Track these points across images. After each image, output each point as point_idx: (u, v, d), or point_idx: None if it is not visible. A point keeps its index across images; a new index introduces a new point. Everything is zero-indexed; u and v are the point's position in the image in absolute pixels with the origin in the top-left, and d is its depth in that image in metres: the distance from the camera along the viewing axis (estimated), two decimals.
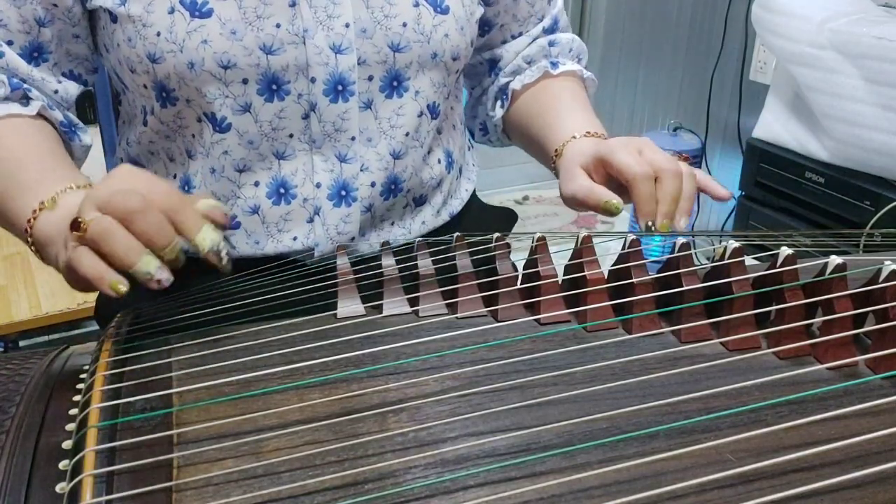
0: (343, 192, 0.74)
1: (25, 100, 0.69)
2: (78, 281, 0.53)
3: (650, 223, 0.64)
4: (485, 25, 0.85)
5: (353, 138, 0.73)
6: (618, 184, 0.69)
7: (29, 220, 0.61)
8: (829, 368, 0.50)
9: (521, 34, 0.87)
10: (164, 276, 0.50)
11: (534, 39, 0.87)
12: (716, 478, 0.40)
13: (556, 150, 0.78)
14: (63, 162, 0.67)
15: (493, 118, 0.89)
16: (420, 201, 0.82)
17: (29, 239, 0.62)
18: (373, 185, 0.75)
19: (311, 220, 0.75)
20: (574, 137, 0.77)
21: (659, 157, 0.67)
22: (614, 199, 0.67)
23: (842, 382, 0.49)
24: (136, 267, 0.50)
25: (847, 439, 0.41)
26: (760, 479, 0.40)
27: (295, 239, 0.75)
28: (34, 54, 0.70)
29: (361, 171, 0.74)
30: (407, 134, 0.76)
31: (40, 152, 0.66)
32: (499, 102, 0.89)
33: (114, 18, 0.68)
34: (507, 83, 0.87)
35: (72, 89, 0.74)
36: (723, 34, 2.26)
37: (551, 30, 0.88)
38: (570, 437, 0.43)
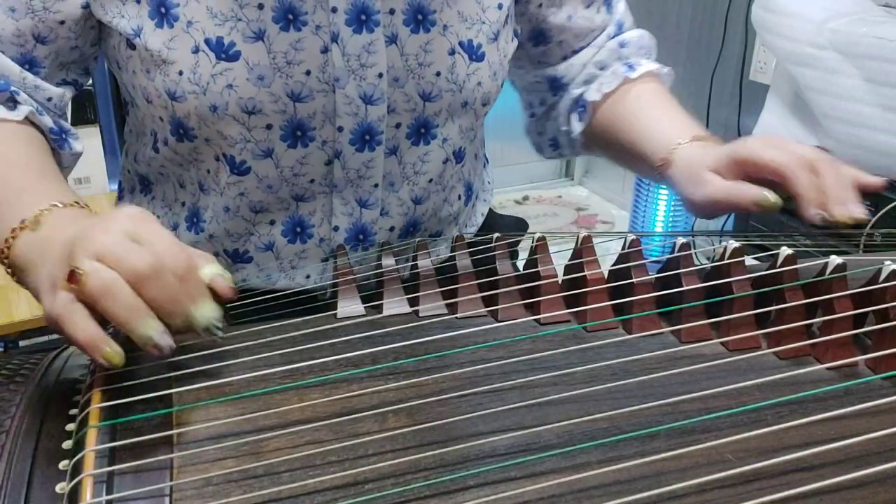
0: (361, 237, 0.72)
1: (12, 103, 0.63)
2: (62, 333, 0.46)
3: (824, 214, 0.59)
4: (539, 36, 0.80)
5: (376, 185, 0.70)
6: (760, 183, 0.64)
7: (7, 240, 0.53)
8: (829, 368, 0.50)
9: (582, 48, 0.81)
10: (167, 342, 0.44)
11: (600, 48, 0.81)
12: (716, 478, 0.40)
13: (662, 159, 0.72)
14: (50, 174, 0.61)
15: (570, 133, 0.83)
16: (436, 235, 0.79)
17: (5, 261, 0.53)
18: (391, 229, 0.73)
19: (326, 260, 0.73)
20: (680, 143, 0.71)
21: (805, 149, 0.62)
22: (769, 194, 0.61)
23: (842, 382, 0.49)
24: (137, 331, 0.43)
25: (847, 439, 0.41)
26: (760, 479, 0.40)
27: (308, 277, 0.73)
28: (24, 66, 0.65)
29: (381, 215, 0.72)
30: (431, 180, 0.73)
31: (24, 162, 0.60)
32: (575, 116, 0.82)
33: (131, 45, 0.64)
34: (582, 94, 0.81)
35: (67, 94, 0.69)
36: (723, 34, 2.26)
37: (617, 34, 0.82)
38: (570, 437, 0.43)
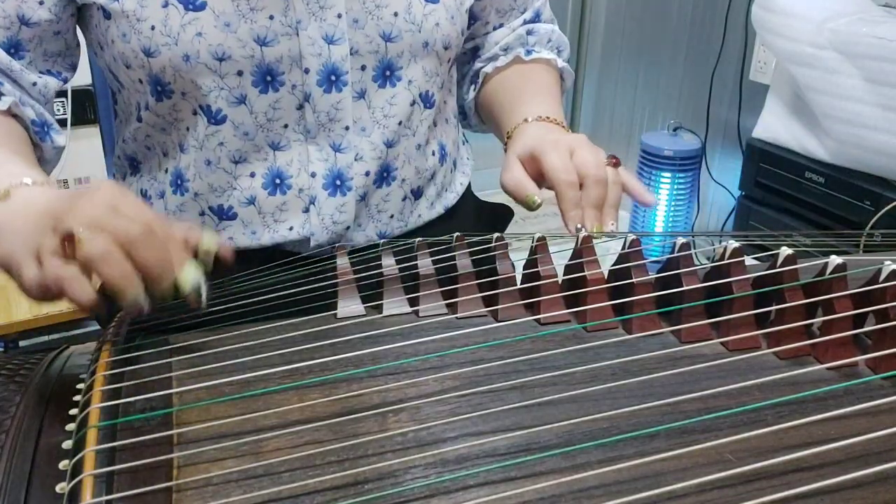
0: (338, 182, 0.76)
1: None
2: (42, 293, 0.49)
3: (579, 226, 0.66)
4: (471, 18, 0.86)
5: (346, 128, 0.74)
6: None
7: None
8: (829, 368, 0.50)
9: (502, 25, 0.88)
10: (147, 305, 0.47)
11: (513, 31, 0.88)
12: (716, 478, 0.40)
13: (507, 133, 0.79)
14: (21, 158, 0.62)
15: (466, 101, 0.91)
16: (416, 194, 0.83)
17: None
18: (367, 174, 0.77)
19: (306, 210, 0.76)
20: (526, 121, 0.78)
21: (589, 161, 0.68)
22: (535, 197, 0.70)
23: (842, 382, 0.49)
24: (129, 295, 0.47)
25: (847, 439, 0.41)
26: (760, 479, 0.40)
27: (291, 229, 0.76)
28: (10, 51, 0.68)
29: (356, 160, 0.76)
30: (400, 123, 0.77)
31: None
32: (473, 86, 0.90)
33: (107, 15, 0.68)
34: (481, 68, 0.89)
35: (51, 84, 0.72)
36: (723, 34, 2.26)
37: (532, 21, 0.89)
38: (570, 437, 0.43)
